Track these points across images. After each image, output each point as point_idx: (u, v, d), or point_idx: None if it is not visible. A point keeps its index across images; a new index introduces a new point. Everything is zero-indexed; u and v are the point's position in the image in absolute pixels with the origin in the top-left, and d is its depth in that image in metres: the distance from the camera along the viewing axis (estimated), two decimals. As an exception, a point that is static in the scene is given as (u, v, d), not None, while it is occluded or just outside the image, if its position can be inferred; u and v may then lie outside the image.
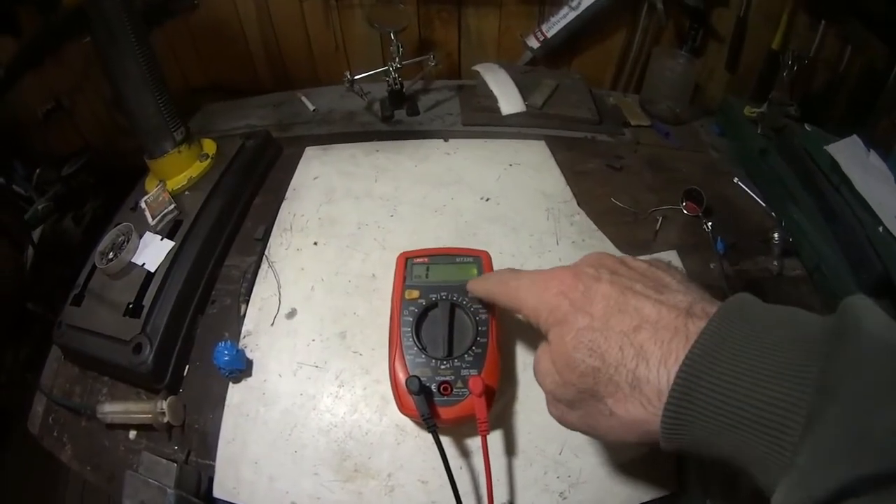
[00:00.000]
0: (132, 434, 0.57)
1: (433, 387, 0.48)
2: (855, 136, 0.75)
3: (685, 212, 0.72)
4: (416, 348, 0.50)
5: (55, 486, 0.93)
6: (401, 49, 0.79)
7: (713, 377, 0.26)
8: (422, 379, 0.47)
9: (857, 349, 0.23)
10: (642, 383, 0.29)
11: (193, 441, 0.55)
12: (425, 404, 0.46)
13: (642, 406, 0.30)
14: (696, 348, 0.27)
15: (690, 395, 0.27)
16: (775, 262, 0.67)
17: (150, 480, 0.50)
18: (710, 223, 0.70)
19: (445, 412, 0.47)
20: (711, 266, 0.66)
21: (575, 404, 0.34)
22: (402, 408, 0.49)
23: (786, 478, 0.23)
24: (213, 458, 0.52)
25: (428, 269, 0.55)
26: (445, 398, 0.48)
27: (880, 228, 0.64)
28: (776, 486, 0.24)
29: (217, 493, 0.51)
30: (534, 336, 0.57)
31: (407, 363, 0.49)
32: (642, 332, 0.30)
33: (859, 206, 0.66)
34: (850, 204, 0.67)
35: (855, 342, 0.24)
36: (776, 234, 0.68)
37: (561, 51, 0.96)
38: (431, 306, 0.52)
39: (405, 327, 0.51)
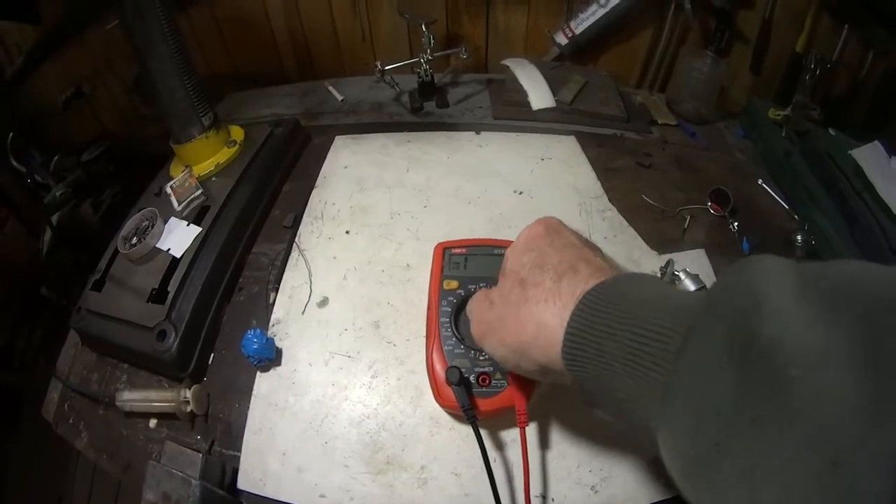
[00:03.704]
0: (152, 423, 0.56)
1: (472, 378, 0.47)
2: (877, 142, 0.75)
3: (712, 211, 0.72)
4: (454, 339, 0.49)
5: (65, 471, 0.91)
6: (432, 40, 0.78)
7: (619, 302, 0.29)
8: (461, 370, 0.46)
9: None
10: (563, 285, 0.33)
11: (217, 431, 0.54)
12: (465, 395, 0.45)
13: (554, 304, 0.33)
14: (613, 279, 0.32)
15: (597, 309, 0.30)
16: (798, 265, 0.67)
17: (174, 471, 0.49)
18: (735, 223, 0.70)
19: (484, 404, 0.46)
20: (738, 266, 0.66)
21: (503, 295, 0.39)
22: (440, 399, 0.48)
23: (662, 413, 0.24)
24: (239, 449, 0.51)
25: (466, 260, 0.54)
26: (484, 390, 0.47)
27: (901, 234, 0.64)
28: (657, 429, 0.25)
29: (242, 484, 0.50)
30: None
31: (445, 354, 0.48)
32: (581, 263, 0.35)
33: (881, 211, 0.66)
34: (871, 209, 0.67)
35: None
36: (799, 237, 0.68)
37: (588, 48, 0.96)
38: (470, 297, 0.51)
39: (443, 318, 0.50)
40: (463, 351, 0.49)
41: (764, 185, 0.78)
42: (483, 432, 0.49)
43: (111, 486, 0.95)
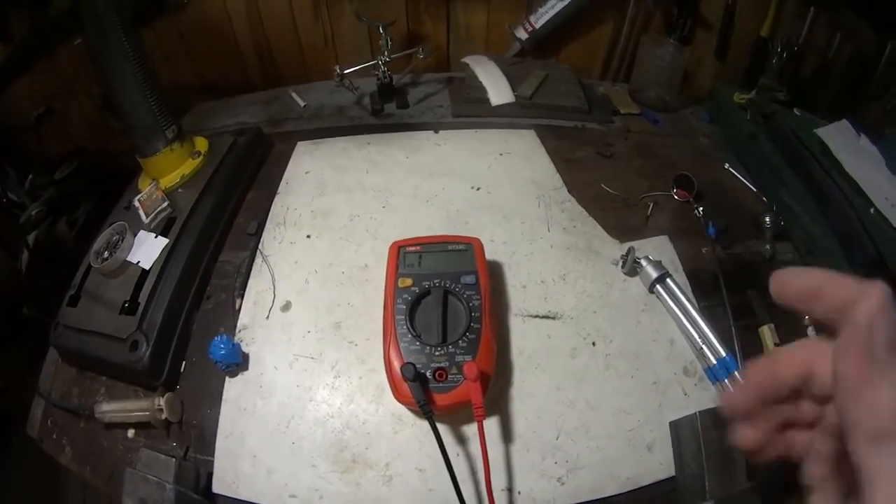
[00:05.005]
0: (130, 433, 0.57)
1: (428, 373, 0.48)
2: (845, 121, 0.76)
3: (676, 197, 0.72)
4: (410, 336, 0.50)
5: (57, 490, 0.92)
6: (390, 42, 0.79)
7: None
8: (417, 366, 0.47)
9: None
10: None
11: (192, 437, 0.55)
12: (421, 391, 0.46)
13: None
14: None
15: None
16: (767, 246, 0.68)
17: (149, 476, 0.50)
18: (701, 208, 0.70)
19: (441, 398, 0.47)
20: (703, 251, 0.67)
21: None
22: (398, 395, 0.49)
23: None
24: (212, 454, 0.52)
25: (420, 258, 0.55)
26: (440, 384, 0.48)
27: (871, 210, 0.64)
28: None
29: (216, 487, 0.51)
30: (528, 319, 0.58)
31: (401, 351, 0.49)
32: None
33: (850, 188, 0.67)
34: (840, 187, 0.67)
35: None
36: (767, 218, 0.69)
37: (549, 41, 0.96)
38: (425, 294, 0.52)
39: (399, 315, 0.51)
40: (419, 347, 0.49)
41: (730, 169, 0.79)
42: (444, 427, 0.50)
43: (103, 501, 0.95)
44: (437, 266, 0.54)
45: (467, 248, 0.56)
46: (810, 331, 0.61)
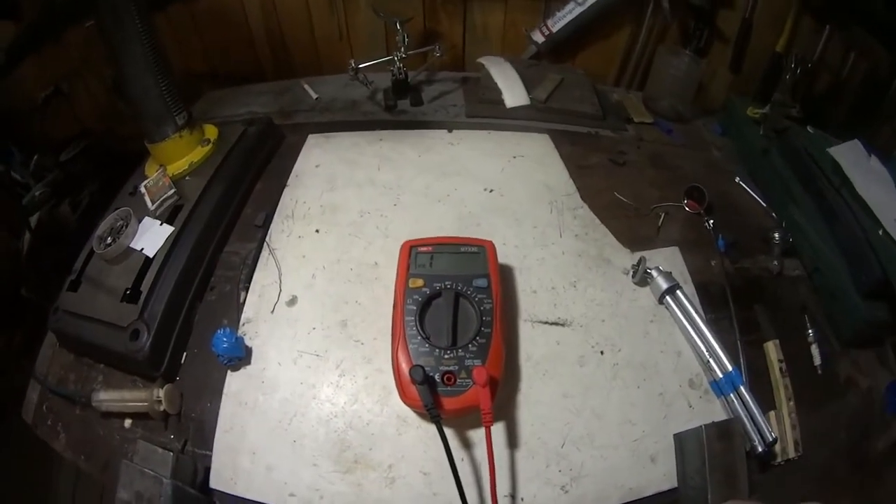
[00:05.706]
0: (127, 423, 0.56)
1: (437, 377, 0.47)
2: (856, 140, 0.75)
3: (687, 209, 0.72)
4: (419, 337, 0.49)
5: (49, 477, 0.91)
6: (406, 39, 0.78)
7: None
8: (425, 368, 0.46)
9: None
10: None
11: (190, 430, 0.54)
12: (429, 394, 0.46)
13: None
14: None
15: None
16: (775, 262, 0.68)
17: (146, 470, 0.49)
18: (711, 221, 0.70)
19: (449, 402, 0.47)
20: (712, 263, 0.66)
21: None
22: (405, 398, 0.48)
23: None
24: (210, 448, 0.52)
25: (432, 258, 0.54)
26: (449, 388, 0.47)
27: (880, 231, 0.64)
28: None
29: (214, 483, 0.50)
30: (538, 325, 0.58)
31: (410, 352, 0.49)
32: None
33: (860, 208, 0.67)
34: (850, 206, 0.67)
35: None
36: (776, 234, 0.69)
37: (565, 46, 0.96)
38: (435, 295, 0.51)
39: (409, 316, 0.50)
40: (428, 349, 0.49)
41: (741, 183, 0.79)
42: (450, 431, 0.50)
43: (96, 488, 0.94)
44: (449, 268, 0.53)
45: (480, 251, 0.55)
46: (814, 348, 0.61)
